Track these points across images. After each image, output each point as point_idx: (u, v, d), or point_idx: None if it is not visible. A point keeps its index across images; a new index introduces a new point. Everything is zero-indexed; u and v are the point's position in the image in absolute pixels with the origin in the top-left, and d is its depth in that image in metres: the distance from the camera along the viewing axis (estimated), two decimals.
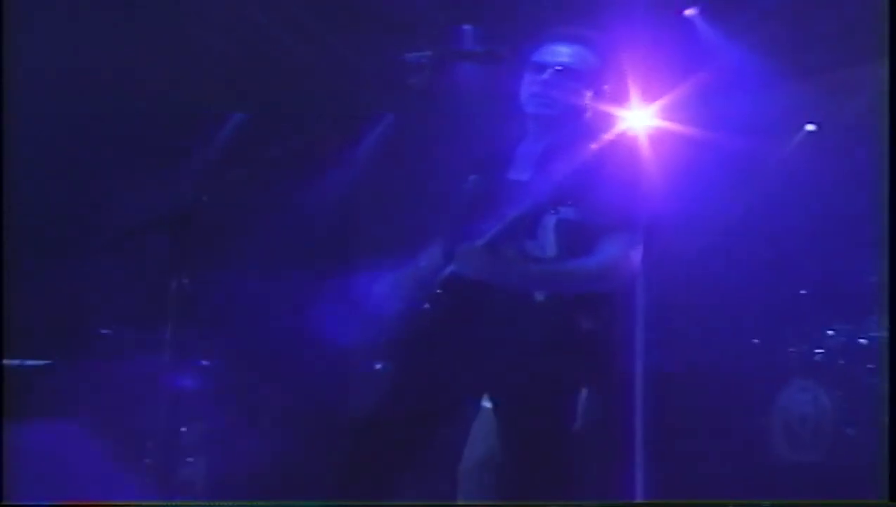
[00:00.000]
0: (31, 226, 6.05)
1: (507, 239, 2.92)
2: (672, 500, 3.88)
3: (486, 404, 4.62)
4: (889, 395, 3.83)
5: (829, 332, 6.31)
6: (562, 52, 3.09)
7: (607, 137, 3.14)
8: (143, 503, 2.77)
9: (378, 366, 6.42)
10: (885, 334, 5.52)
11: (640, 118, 6.13)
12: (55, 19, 5.81)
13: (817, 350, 6.31)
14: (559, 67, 3.07)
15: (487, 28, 5.85)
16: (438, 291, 3.02)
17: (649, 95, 5.93)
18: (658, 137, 6.00)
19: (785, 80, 6.15)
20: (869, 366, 6.11)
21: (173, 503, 2.72)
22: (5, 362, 5.62)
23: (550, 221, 2.94)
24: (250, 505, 3.36)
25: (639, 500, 5.59)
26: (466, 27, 5.90)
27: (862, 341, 6.18)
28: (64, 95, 5.98)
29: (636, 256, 3.03)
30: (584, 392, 3.06)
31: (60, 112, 5.99)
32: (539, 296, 2.96)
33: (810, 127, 6.66)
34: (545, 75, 3.07)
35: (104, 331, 6.00)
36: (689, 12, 6.17)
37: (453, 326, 3.02)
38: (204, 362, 6.17)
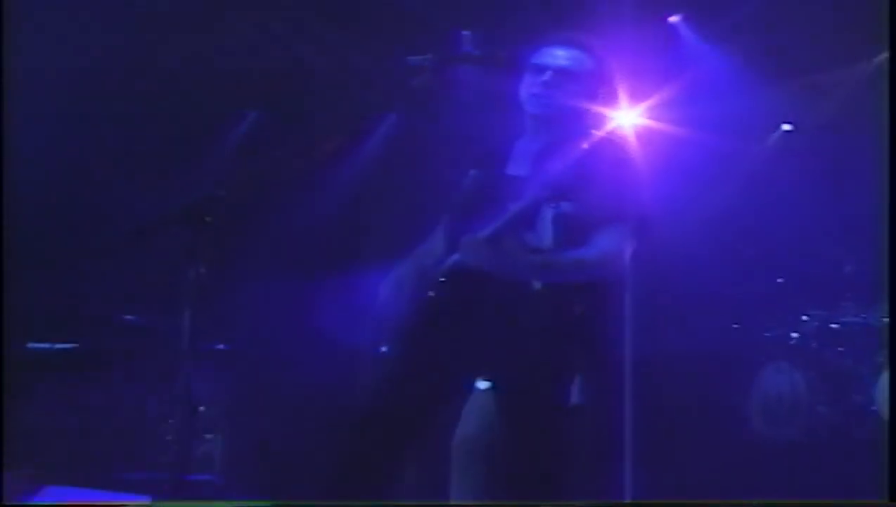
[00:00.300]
0: (59, 221, 6.07)
1: (508, 231, 2.93)
2: (669, 500, 3.90)
3: (481, 385, 4.64)
4: (889, 394, 3.82)
5: (804, 317, 6.34)
6: (559, 56, 3.09)
7: (600, 135, 3.15)
8: (143, 504, 2.69)
9: (383, 349, 6.43)
10: (886, 332, 5.56)
11: (629, 118, 6.14)
12: (78, 21, 5.82)
13: (793, 334, 6.34)
14: (558, 70, 3.08)
15: (486, 33, 5.86)
16: (442, 279, 3.03)
17: (638, 96, 5.94)
18: (646, 136, 6.01)
19: (762, 82, 6.17)
20: (840, 349, 6.14)
21: (174, 504, 2.66)
22: (36, 345, 5.65)
23: (548, 214, 2.95)
24: (252, 505, 3.29)
25: (628, 499, 5.60)
26: (465, 32, 5.91)
27: (833, 325, 6.21)
28: (94, 93, 5.99)
29: (627, 247, 3.04)
30: (577, 373, 3.07)
31: (86, 110, 6.00)
32: (536, 284, 2.97)
33: (786, 126, 6.69)
34: (545, 77, 3.07)
35: (128, 317, 6.00)
36: (673, 19, 6.18)
37: (455, 312, 3.03)
38: (220, 346, 6.19)
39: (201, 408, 5.79)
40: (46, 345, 5.74)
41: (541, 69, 3.07)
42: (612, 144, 3.13)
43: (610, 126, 3.17)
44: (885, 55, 6.01)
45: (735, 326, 6.56)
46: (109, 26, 5.90)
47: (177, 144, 6.39)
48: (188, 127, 6.45)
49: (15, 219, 5.08)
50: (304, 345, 6.46)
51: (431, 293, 3.05)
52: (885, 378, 5.88)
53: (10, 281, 4.75)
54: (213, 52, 6.36)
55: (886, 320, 6.07)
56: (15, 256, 5.25)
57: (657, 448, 6.36)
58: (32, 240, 5.81)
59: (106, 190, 6.20)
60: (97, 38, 5.91)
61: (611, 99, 3.17)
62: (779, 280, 6.45)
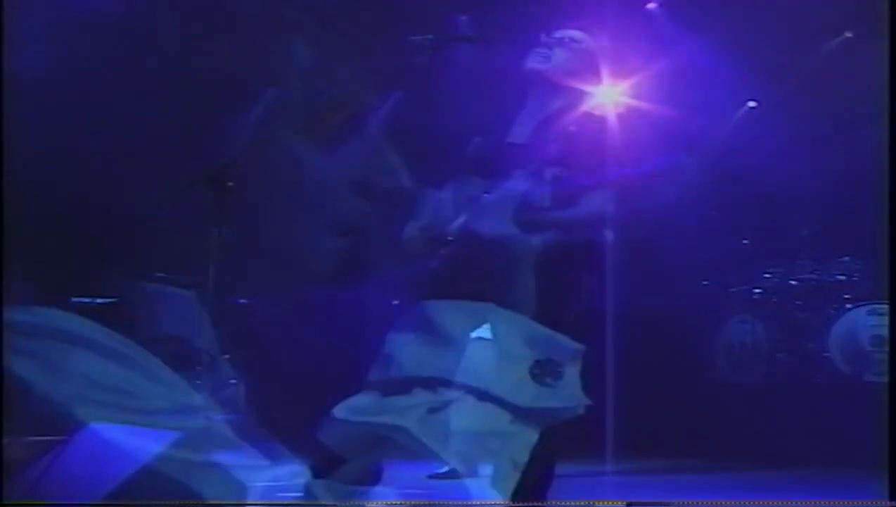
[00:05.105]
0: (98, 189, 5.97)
1: (507, 196, 2.88)
2: (667, 500, 3.83)
3: (477, 334, 4.56)
4: (889, 395, 3.70)
5: (766, 274, 6.30)
6: (566, 29, 3.11)
7: (589, 110, 3.08)
8: (144, 504, 2.56)
9: (395, 302, 6.36)
10: (887, 332, 5.49)
11: (614, 95, 6.04)
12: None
13: (756, 290, 6.30)
14: (563, 35, 3.07)
15: (480, 18, 5.82)
16: (450, 238, 2.96)
17: (621, 76, 5.82)
18: (629, 111, 5.90)
19: (729, 63, 6.07)
20: (797, 302, 6.11)
21: (177, 504, 2.54)
22: (78, 299, 5.55)
23: (543, 179, 2.89)
24: (257, 505, 3.17)
25: (611, 433, 5.53)
26: (462, 17, 5.88)
27: (792, 282, 6.17)
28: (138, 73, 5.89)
29: (609, 210, 2.98)
30: (568, 322, 2.99)
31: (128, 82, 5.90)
32: (535, 241, 2.91)
33: (752, 104, 6.59)
34: (549, 39, 3.03)
35: (159, 274, 5.91)
36: (651, 6, 6.10)
37: (460, 269, 2.95)
38: (242, 301, 6.11)
39: (226, 356, 5.72)
40: (87, 299, 5.63)
41: (548, 34, 3.03)
42: (600, 118, 3.07)
43: (597, 102, 3.12)
44: (846, 34, 5.92)
45: (705, 282, 6.52)
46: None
47: (204, 118, 6.30)
48: (214, 104, 6.36)
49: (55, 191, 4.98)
50: (317, 296, 6.39)
51: (442, 251, 2.98)
52: (836, 328, 5.86)
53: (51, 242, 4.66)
54: (235, 35, 6.26)
55: (843, 278, 6.03)
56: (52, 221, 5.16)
57: (637, 388, 6.30)
58: (70, 207, 5.72)
59: (142, 159, 6.10)
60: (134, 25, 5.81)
61: (599, 76, 3.13)
62: (744, 242, 6.41)
